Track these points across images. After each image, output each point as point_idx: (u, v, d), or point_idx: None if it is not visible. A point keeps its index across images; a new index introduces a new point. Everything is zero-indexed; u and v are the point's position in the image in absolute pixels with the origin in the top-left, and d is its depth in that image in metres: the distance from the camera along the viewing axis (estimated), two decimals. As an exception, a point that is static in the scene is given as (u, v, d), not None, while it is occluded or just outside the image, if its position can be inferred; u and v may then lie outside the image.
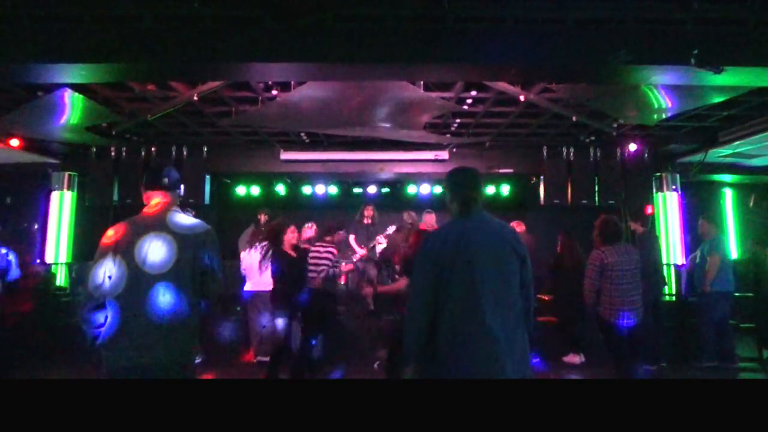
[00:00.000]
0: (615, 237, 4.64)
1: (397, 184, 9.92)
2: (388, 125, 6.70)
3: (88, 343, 2.46)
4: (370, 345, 6.86)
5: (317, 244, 5.81)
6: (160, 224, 2.51)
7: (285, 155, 8.43)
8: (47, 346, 6.28)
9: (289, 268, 5.23)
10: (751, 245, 7.80)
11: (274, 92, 5.85)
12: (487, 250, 2.38)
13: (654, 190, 8.34)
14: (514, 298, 2.40)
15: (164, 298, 2.38)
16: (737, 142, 7.12)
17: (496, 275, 2.36)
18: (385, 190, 10.10)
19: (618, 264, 4.52)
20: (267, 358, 6.50)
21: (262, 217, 7.62)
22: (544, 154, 8.26)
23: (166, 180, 2.64)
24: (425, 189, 9.68)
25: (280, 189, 9.94)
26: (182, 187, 2.80)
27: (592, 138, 7.91)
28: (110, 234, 2.50)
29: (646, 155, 8.10)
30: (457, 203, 2.55)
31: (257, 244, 6.04)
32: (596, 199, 8.12)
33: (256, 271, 6.69)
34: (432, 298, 2.36)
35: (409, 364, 2.42)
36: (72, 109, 6.00)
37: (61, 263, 7.96)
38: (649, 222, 8.00)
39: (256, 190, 9.87)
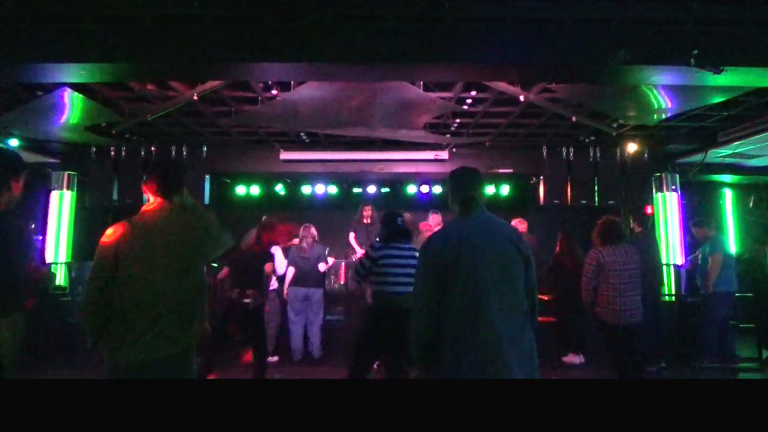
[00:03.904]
0: (614, 238, 4.64)
1: (397, 184, 9.91)
2: (387, 125, 6.70)
3: (90, 344, 2.46)
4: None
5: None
6: (159, 223, 2.51)
7: (285, 155, 8.43)
8: (47, 346, 6.27)
9: None
10: (751, 245, 7.80)
11: (274, 92, 5.85)
12: (489, 250, 2.37)
13: (654, 191, 8.34)
14: (519, 298, 2.38)
15: (166, 297, 2.38)
16: (737, 143, 7.11)
17: (499, 275, 2.34)
18: (385, 190, 10.09)
19: (615, 264, 4.53)
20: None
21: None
22: (544, 154, 8.25)
23: (162, 178, 2.62)
24: (425, 189, 9.68)
25: (280, 189, 9.94)
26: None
27: (592, 138, 7.91)
28: (110, 233, 2.50)
29: (646, 155, 8.11)
30: (458, 203, 2.55)
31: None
32: (596, 199, 8.13)
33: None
34: (434, 299, 2.35)
35: (415, 364, 2.46)
36: (72, 108, 6.00)
37: (61, 263, 7.96)
38: (649, 222, 8.00)
39: (256, 190, 9.86)
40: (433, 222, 7.90)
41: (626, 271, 4.55)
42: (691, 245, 7.87)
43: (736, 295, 6.58)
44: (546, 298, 7.10)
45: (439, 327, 2.35)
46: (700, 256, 6.64)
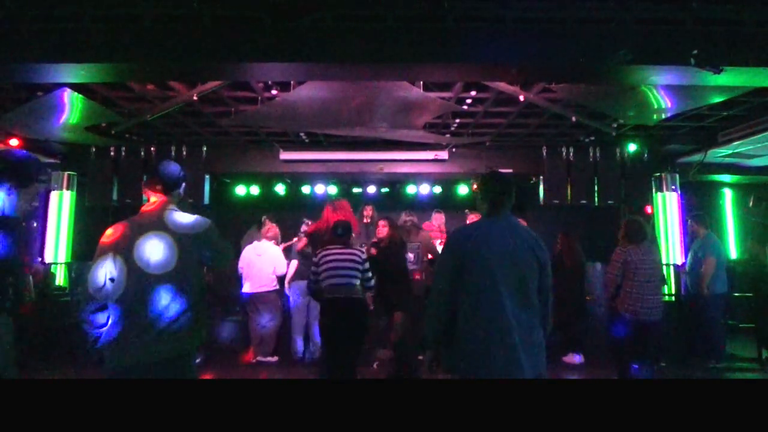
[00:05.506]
0: (639, 237, 4.77)
1: (397, 184, 9.91)
2: (387, 125, 6.70)
3: (90, 344, 2.46)
4: (370, 345, 6.86)
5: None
6: (158, 223, 2.51)
7: (285, 155, 8.43)
8: (47, 346, 6.28)
9: None
10: (751, 245, 7.79)
11: (274, 92, 5.85)
12: (507, 250, 2.56)
13: (654, 190, 8.34)
14: (532, 298, 2.57)
15: (166, 298, 2.38)
16: (737, 142, 7.11)
17: (514, 275, 2.53)
18: (385, 189, 10.09)
19: (639, 262, 4.67)
20: (267, 358, 6.53)
21: (267, 222, 7.63)
22: (544, 154, 8.24)
23: (162, 178, 2.62)
24: (425, 189, 9.67)
25: (280, 189, 9.93)
26: (183, 185, 2.76)
27: (592, 138, 7.90)
28: (109, 234, 2.50)
29: (646, 155, 8.11)
30: (487, 205, 2.75)
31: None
32: (596, 199, 8.12)
33: (254, 271, 6.69)
34: (450, 290, 2.56)
35: (428, 350, 2.65)
36: (71, 108, 5.99)
37: (61, 263, 7.95)
38: (649, 222, 7.99)
39: (255, 190, 9.86)
40: (437, 222, 7.92)
41: (648, 270, 4.68)
42: (690, 245, 7.87)
43: (735, 295, 6.58)
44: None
45: (453, 315, 2.54)
46: (691, 256, 6.62)
